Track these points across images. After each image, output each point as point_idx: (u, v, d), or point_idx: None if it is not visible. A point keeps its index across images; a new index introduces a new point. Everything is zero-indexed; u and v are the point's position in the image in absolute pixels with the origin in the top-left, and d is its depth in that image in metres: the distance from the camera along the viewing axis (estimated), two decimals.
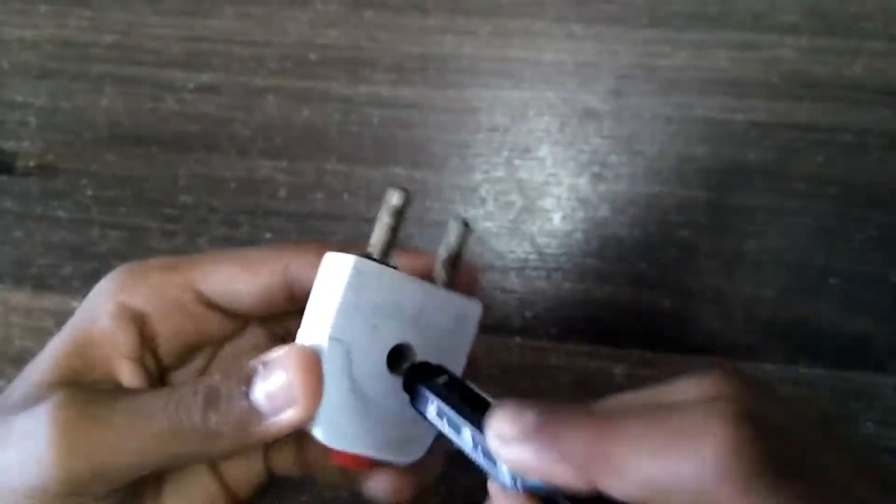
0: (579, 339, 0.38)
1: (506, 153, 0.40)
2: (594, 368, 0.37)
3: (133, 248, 0.40)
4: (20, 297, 0.40)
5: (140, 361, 0.25)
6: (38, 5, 0.43)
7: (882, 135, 0.38)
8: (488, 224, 0.39)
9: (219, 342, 0.28)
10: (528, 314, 0.38)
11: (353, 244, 0.25)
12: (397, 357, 0.24)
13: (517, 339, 0.38)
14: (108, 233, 0.40)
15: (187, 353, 0.27)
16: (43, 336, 0.39)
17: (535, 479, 0.19)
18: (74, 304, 0.40)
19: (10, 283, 0.40)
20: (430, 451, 0.26)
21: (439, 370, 0.24)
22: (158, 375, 0.26)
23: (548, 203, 0.39)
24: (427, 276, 0.25)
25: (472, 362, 0.27)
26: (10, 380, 0.39)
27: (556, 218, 0.39)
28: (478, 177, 0.40)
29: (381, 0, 0.41)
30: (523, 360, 0.38)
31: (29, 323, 0.40)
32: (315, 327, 0.23)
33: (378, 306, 0.23)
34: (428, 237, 0.39)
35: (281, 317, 0.28)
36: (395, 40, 0.40)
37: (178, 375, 0.27)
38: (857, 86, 0.38)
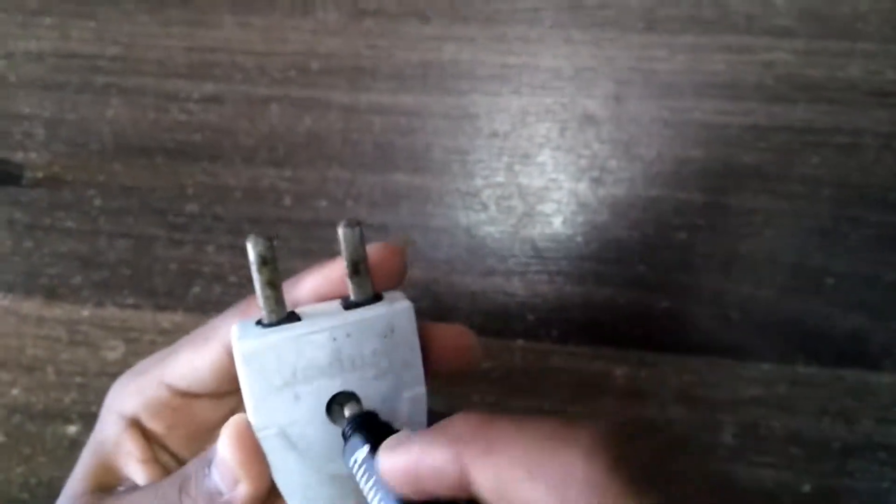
0: (580, 340, 0.38)
1: (506, 159, 0.40)
2: (595, 369, 0.38)
3: (141, 257, 0.41)
4: (31, 307, 0.41)
5: (153, 462, 0.26)
6: (43, 18, 0.43)
7: (876, 136, 0.39)
8: (490, 229, 0.40)
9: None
10: (530, 317, 0.39)
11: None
12: (342, 404, 0.23)
13: (519, 341, 0.39)
14: (115, 242, 0.41)
15: (197, 443, 0.28)
16: (54, 345, 0.40)
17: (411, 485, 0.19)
18: (84, 312, 0.40)
19: (21, 293, 0.41)
20: None
21: (370, 420, 0.22)
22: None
23: (548, 208, 0.40)
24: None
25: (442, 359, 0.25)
26: (23, 387, 0.40)
27: (557, 222, 0.40)
28: (479, 182, 0.40)
29: (381, 8, 0.41)
30: (525, 363, 0.38)
31: (40, 332, 0.40)
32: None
33: (288, 377, 0.21)
34: (431, 243, 0.40)
35: None
36: (394, 48, 0.41)
37: None
38: (851, 88, 0.39)
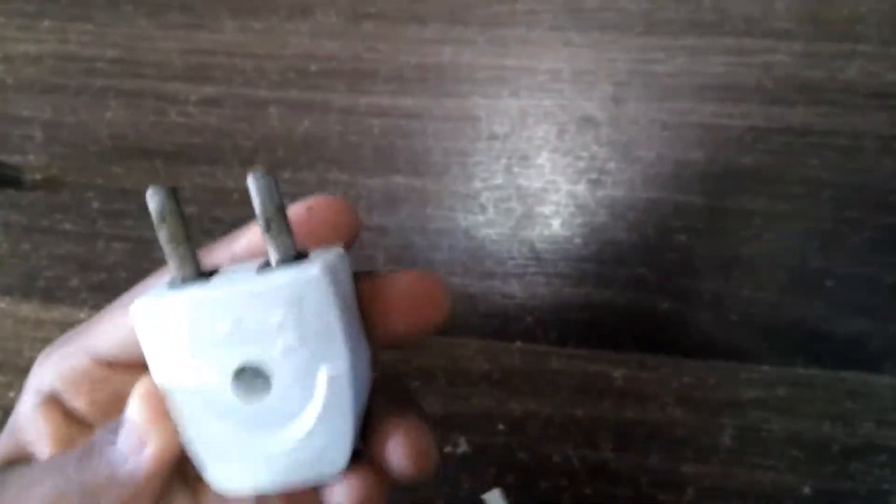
0: (579, 342, 0.38)
1: (505, 161, 0.40)
2: (594, 372, 0.38)
3: (138, 260, 0.41)
4: (29, 310, 0.41)
5: (67, 442, 0.24)
6: (41, 20, 0.43)
7: (876, 137, 0.39)
8: (489, 231, 0.40)
9: None
10: (528, 319, 0.39)
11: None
12: (250, 380, 0.20)
13: (518, 343, 0.38)
14: (113, 245, 0.41)
15: None
16: None
17: None
18: (82, 315, 0.40)
19: (18, 295, 0.41)
20: (362, 453, 0.21)
21: None
22: None
23: (547, 209, 0.40)
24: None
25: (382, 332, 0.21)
26: (20, 390, 0.40)
27: (556, 224, 0.40)
28: (478, 184, 0.40)
29: (380, 11, 0.41)
30: (524, 365, 0.38)
31: (38, 335, 0.40)
32: None
33: (185, 344, 0.19)
34: (432, 245, 0.39)
35: None
36: (394, 51, 0.41)
37: None
38: (850, 90, 0.39)
